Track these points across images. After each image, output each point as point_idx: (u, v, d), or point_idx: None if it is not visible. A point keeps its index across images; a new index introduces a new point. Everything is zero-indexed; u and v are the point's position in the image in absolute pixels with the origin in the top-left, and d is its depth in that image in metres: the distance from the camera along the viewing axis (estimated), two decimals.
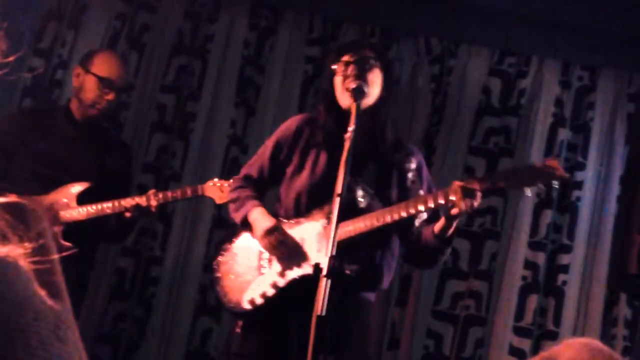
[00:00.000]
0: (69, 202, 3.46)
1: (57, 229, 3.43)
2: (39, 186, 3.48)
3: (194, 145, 4.38)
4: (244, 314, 2.91)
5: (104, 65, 3.62)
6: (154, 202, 3.39)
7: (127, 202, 3.39)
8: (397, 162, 2.96)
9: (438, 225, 2.78)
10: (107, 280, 4.26)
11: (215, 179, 3.44)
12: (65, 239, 3.40)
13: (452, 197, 2.63)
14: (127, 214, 3.40)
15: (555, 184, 2.65)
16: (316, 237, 2.86)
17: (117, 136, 4.05)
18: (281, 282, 2.86)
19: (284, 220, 2.93)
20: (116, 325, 4.22)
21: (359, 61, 2.88)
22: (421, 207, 2.72)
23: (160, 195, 3.42)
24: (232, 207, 3.06)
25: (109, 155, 3.67)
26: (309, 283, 2.66)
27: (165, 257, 4.28)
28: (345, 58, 2.90)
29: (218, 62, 4.45)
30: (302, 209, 2.92)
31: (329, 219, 2.75)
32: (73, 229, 3.43)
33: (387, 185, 2.93)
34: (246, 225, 2.97)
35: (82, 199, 3.47)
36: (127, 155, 3.80)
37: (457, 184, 2.65)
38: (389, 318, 4.17)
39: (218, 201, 3.41)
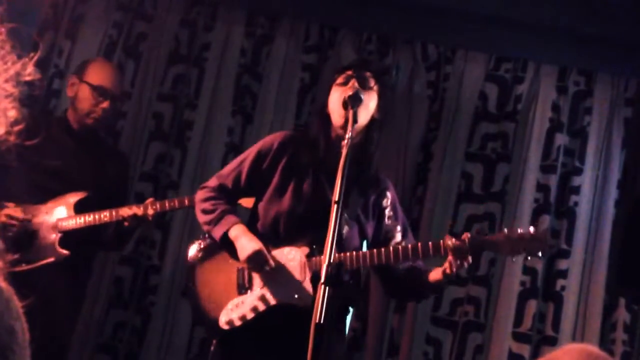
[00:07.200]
0: (67, 211, 3.47)
1: (56, 237, 3.44)
2: (36, 196, 3.49)
3: (191, 154, 4.37)
4: (221, 334, 2.93)
5: (97, 74, 3.63)
6: (151, 212, 3.39)
7: (125, 211, 3.40)
8: (374, 196, 3.02)
9: (433, 277, 2.90)
10: (106, 289, 4.26)
11: None
12: (63, 248, 3.42)
13: (445, 254, 2.76)
14: (125, 223, 3.41)
15: (540, 254, 2.79)
16: (298, 266, 2.87)
17: (114, 146, 4.06)
18: (261, 307, 2.88)
19: (267, 244, 2.91)
20: (115, 335, 4.22)
21: (360, 78, 2.91)
22: (409, 257, 2.84)
23: (158, 205, 3.42)
24: (205, 217, 2.99)
25: (106, 165, 3.68)
26: (288, 310, 2.79)
27: (163, 266, 4.28)
28: (349, 72, 2.95)
29: (215, 70, 4.45)
30: (281, 234, 2.93)
31: (312, 249, 2.84)
32: (71, 238, 3.44)
33: (365, 218, 3.00)
34: (226, 243, 2.94)
35: (80, 208, 3.48)
36: (124, 165, 3.83)
37: (448, 244, 2.75)
38: (388, 324, 4.16)
39: None
